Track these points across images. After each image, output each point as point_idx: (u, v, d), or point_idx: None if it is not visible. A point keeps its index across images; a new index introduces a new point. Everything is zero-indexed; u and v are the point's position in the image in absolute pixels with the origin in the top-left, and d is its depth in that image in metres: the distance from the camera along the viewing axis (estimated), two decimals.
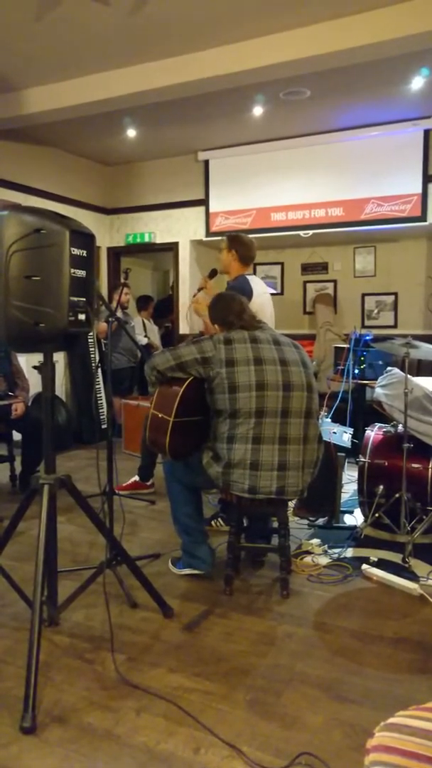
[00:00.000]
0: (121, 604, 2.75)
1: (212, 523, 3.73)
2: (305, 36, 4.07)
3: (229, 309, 2.93)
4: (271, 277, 7.34)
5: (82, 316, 2.25)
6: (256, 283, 3.73)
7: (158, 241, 7.15)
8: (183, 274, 7.04)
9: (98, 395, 6.49)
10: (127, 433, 5.88)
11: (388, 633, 2.55)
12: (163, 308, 8.03)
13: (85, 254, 2.25)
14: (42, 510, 2.26)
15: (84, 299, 2.25)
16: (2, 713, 2.01)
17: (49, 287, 2.16)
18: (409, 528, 3.36)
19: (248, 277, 3.72)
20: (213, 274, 3.70)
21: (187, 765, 1.78)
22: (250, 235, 3.89)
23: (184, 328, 7.02)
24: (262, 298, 3.70)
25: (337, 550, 3.38)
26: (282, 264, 7.20)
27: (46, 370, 2.35)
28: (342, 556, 3.32)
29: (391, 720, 1.25)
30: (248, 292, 3.56)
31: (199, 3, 3.74)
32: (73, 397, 6.78)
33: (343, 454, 3.82)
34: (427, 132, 5.69)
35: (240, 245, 3.71)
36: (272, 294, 4.08)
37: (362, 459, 3.66)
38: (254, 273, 4.21)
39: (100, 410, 6.50)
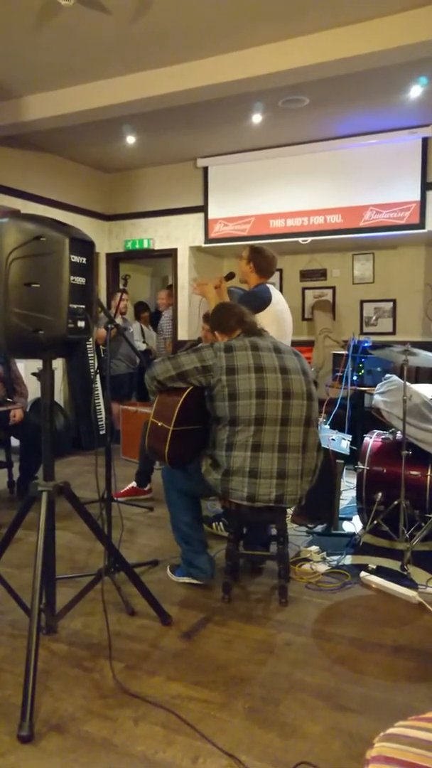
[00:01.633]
0: (119, 612, 2.74)
1: (213, 525, 3.73)
2: (305, 45, 4.09)
3: (230, 314, 2.94)
4: (270, 283, 7.33)
5: (81, 323, 2.26)
6: (276, 294, 3.73)
7: (157, 247, 7.16)
8: (182, 280, 7.04)
9: (97, 401, 6.49)
10: (125, 439, 5.88)
11: (387, 641, 2.55)
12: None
13: (84, 261, 2.26)
14: (41, 517, 2.25)
15: (83, 306, 2.26)
16: (0, 722, 2.00)
17: (49, 294, 2.16)
18: (407, 535, 3.36)
19: (269, 286, 3.73)
20: (230, 276, 3.70)
21: None
22: (255, 242, 3.88)
23: (182, 335, 7.02)
24: (281, 306, 3.70)
25: (335, 558, 3.37)
26: (281, 270, 7.21)
27: (45, 376, 2.35)
28: (340, 564, 3.31)
29: (391, 730, 1.25)
30: (267, 300, 3.57)
31: (198, 12, 3.76)
32: (72, 403, 6.78)
33: (341, 461, 3.82)
34: (425, 140, 5.71)
35: (260, 258, 3.69)
36: None
37: (361, 466, 3.66)
38: None
39: (99, 416, 6.49)
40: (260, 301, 3.53)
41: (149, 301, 8.80)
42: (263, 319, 3.27)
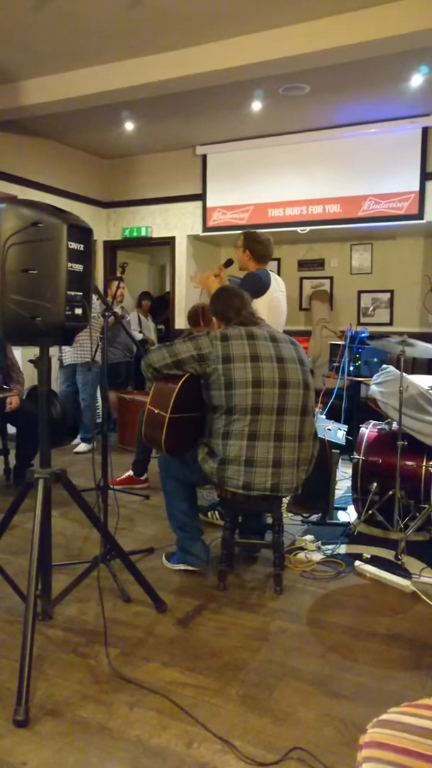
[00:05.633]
0: (114, 599, 2.75)
1: (208, 514, 3.74)
2: (305, 32, 4.05)
3: (229, 304, 2.92)
4: (272, 270, 7.32)
5: (78, 311, 2.25)
6: (275, 282, 3.72)
7: (155, 235, 7.14)
8: (179, 268, 7.02)
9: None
10: (121, 428, 5.88)
11: (380, 629, 2.57)
12: (159, 307, 7.99)
13: (82, 248, 2.25)
14: (37, 504, 2.26)
15: (81, 293, 2.25)
16: None
17: (46, 281, 2.15)
18: (402, 525, 3.38)
19: (270, 272, 3.72)
20: (229, 263, 3.68)
21: (179, 759, 1.78)
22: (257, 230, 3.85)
23: (180, 324, 7.01)
24: (277, 294, 3.70)
25: (330, 547, 3.39)
26: (279, 260, 7.19)
27: (42, 364, 2.34)
28: (335, 553, 3.33)
29: (384, 716, 1.26)
30: (265, 285, 3.56)
31: None
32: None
33: (337, 451, 3.82)
34: (425, 130, 5.68)
35: (256, 244, 3.67)
36: None
37: (356, 456, 3.67)
38: None
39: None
40: (260, 284, 3.52)
41: (146, 288, 8.75)
42: (257, 303, 3.26)
